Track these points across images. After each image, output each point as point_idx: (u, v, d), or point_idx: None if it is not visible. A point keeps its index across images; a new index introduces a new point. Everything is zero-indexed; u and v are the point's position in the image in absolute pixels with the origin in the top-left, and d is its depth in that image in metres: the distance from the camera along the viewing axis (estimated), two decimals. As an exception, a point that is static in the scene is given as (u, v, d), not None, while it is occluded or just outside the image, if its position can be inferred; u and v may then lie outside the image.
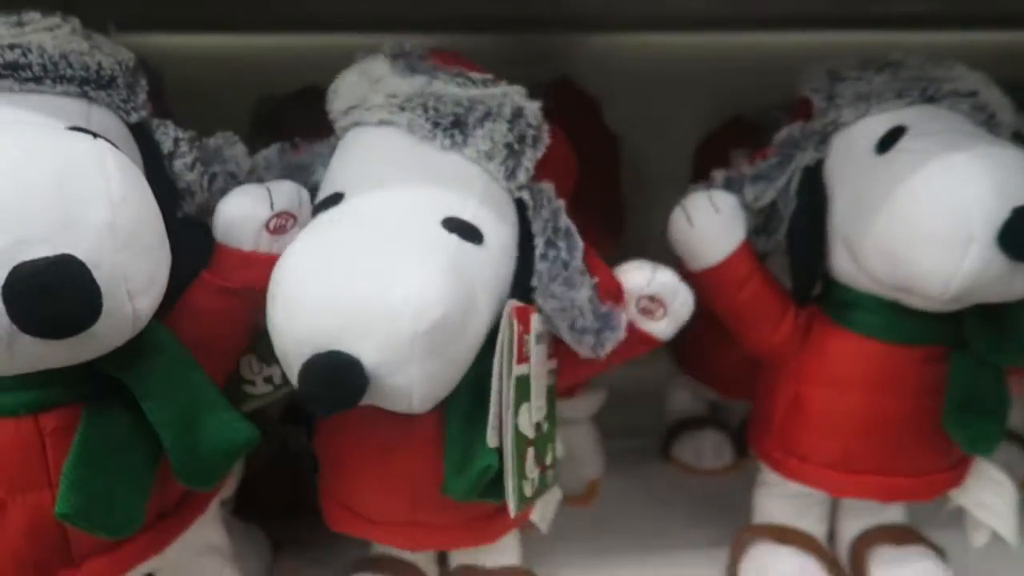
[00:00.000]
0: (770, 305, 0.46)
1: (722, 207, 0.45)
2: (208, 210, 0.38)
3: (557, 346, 0.40)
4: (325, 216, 0.36)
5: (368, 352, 0.31)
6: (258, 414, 0.42)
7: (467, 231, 0.35)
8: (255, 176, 0.41)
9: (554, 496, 0.45)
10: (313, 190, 0.40)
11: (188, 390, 0.33)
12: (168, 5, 0.61)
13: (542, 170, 0.40)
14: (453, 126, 0.38)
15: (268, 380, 0.41)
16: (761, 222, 0.47)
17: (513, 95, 0.39)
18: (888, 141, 0.42)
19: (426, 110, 0.38)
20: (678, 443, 0.68)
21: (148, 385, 0.32)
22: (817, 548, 0.48)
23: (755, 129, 0.58)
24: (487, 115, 0.38)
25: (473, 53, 0.43)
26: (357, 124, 0.40)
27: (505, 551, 0.46)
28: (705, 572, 0.50)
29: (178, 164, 0.37)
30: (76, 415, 0.32)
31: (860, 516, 0.50)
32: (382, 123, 0.39)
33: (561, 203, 0.40)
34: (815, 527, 0.50)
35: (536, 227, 0.39)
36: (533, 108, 0.39)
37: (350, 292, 0.31)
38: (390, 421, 0.38)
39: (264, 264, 0.36)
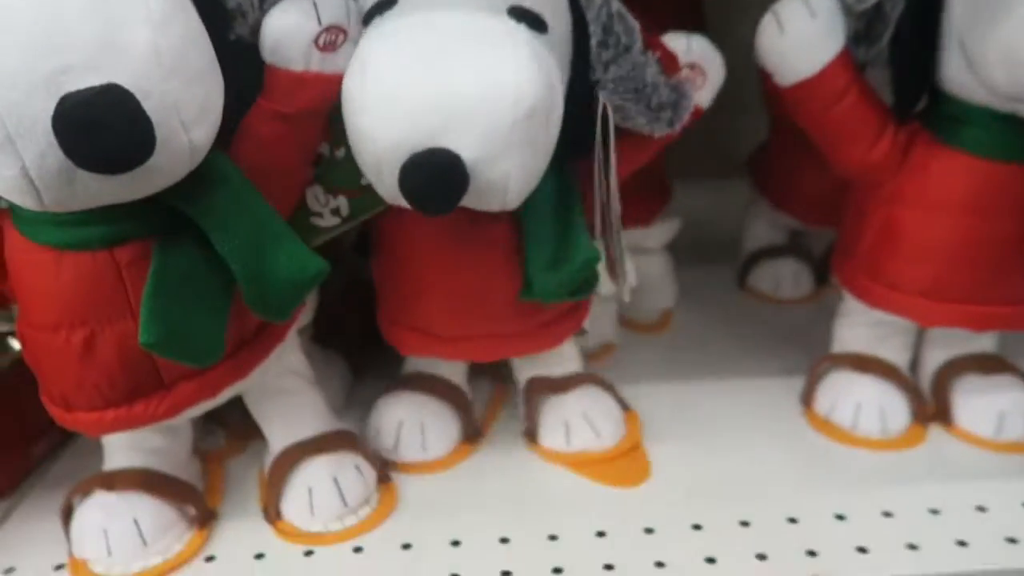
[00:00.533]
0: (868, 121, 0.42)
1: (819, 10, 0.41)
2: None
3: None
4: (387, 19, 0.34)
5: (467, 147, 0.31)
6: (331, 244, 0.42)
7: (532, 20, 0.34)
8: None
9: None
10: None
11: (254, 221, 0.33)
12: None
13: None
14: None
15: (335, 212, 0.40)
16: (862, 27, 0.42)
17: None
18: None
19: None
20: (755, 272, 0.66)
21: (213, 216, 0.32)
22: (898, 375, 0.47)
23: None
24: None
25: None
26: None
27: (571, 360, 0.47)
28: (779, 400, 0.50)
29: (225, -20, 0.35)
30: (149, 249, 0.32)
31: (948, 345, 0.48)
32: None
33: None
34: (897, 356, 0.48)
35: (590, 14, 0.37)
36: None
37: (446, 87, 0.31)
38: (455, 236, 0.39)
39: (317, 84, 0.34)
